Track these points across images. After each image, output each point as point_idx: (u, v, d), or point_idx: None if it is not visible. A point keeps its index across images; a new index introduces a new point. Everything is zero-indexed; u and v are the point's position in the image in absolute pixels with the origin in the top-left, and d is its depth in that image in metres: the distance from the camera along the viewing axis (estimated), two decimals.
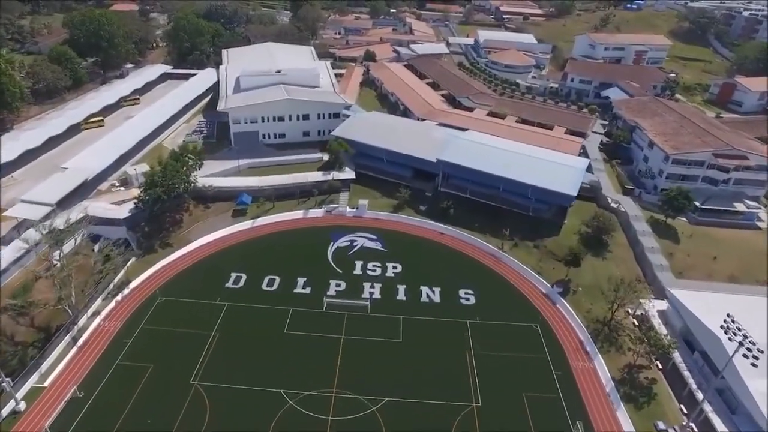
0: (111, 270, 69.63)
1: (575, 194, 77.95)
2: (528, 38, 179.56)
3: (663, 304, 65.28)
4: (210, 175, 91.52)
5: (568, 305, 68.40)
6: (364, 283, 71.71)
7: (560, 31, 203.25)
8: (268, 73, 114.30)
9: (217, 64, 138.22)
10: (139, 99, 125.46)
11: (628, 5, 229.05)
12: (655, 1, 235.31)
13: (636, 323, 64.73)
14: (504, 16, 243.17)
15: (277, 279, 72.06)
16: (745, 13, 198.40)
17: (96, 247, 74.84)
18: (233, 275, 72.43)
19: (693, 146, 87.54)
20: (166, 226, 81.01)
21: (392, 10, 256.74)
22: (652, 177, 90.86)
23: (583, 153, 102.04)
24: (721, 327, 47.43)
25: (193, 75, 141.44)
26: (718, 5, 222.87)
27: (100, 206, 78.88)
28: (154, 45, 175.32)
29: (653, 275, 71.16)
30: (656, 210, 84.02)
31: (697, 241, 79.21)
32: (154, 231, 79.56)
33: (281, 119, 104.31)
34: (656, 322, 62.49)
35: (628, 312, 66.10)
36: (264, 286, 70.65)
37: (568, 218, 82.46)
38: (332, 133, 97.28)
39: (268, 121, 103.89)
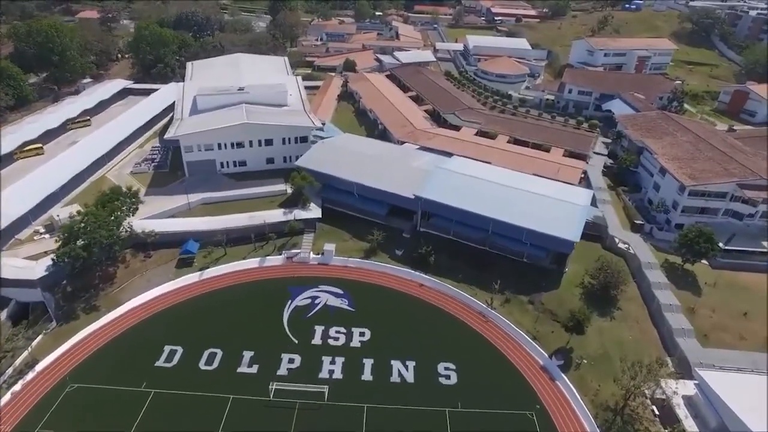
0: (18, 346, 57.10)
1: (576, 240, 65.43)
2: (521, 43, 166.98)
3: (690, 386, 52.67)
4: (155, 215, 78.99)
5: (570, 384, 55.87)
6: (323, 358, 59.02)
7: (555, 34, 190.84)
8: (229, 91, 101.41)
9: (184, 78, 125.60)
10: (89, 120, 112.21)
11: (627, 5, 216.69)
12: (654, 0, 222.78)
13: (656, 412, 52.17)
14: (496, 18, 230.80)
15: (219, 354, 59.27)
16: (752, 13, 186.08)
17: (3, 315, 62.30)
18: (167, 349, 59.64)
19: (713, 175, 75.16)
20: (94, 283, 68.26)
21: (378, 13, 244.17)
22: (666, 211, 78.38)
23: (585, 179, 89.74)
24: None
25: (155, 91, 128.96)
26: (721, 4, 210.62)
27: (10, 263, 66.07)
28: (119, 57, 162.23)
29: (673, 342, 58.65)
30: (671, 251, 71.71)
31: (722, 292, 66.85)
32: (79, 291, 66.77)
33: (240, 145, 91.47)
34: (682, 413, 49.92)
35: (645, 395, 53.52)
36: (202, 364, 57.86)
37: (569, 265, 70.00)
38: (295, 163, 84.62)
39: (225, 147, 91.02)
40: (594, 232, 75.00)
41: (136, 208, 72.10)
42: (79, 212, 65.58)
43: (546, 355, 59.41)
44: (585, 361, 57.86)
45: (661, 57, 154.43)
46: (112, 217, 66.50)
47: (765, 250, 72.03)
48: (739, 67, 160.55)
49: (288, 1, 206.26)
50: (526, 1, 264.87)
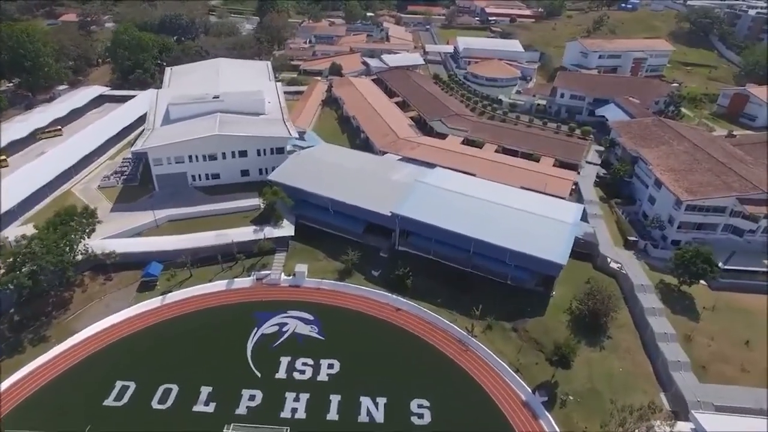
0: None
1: (564, 263, 60.50)
2: (513, 45, 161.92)
3: (686, 428, 47.82)
4: (119, 233, 74.41)
5: (554, 424, 51.01)
6: (287, 394, 54.15)
7: (550, 35, 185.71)
8: (203, 99, 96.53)
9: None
10: (60, 130, 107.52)
11: (623, 5, 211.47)
12: (651, 0, 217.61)
13: None
14: (490, 19, 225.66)
15: (175, 390, 54.48)
16: (752, 12, 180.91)
17: None
18: (118, 385, 54.83)
19: (712, 189, 70.25)
20: (47, 310, 63.61)
21: (370, 14, 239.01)
22: (661, 227, 73.52)
23: (576, 191, 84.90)
24: None
25: (133, 98, 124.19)
26: (720, 3, 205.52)
27: None
28: (99, 62, 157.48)
29: (668, 376, 53.79)
30: (667, 270, 66.90)
31: (721, 317, 62.00)
32: (28, 320, 62.09)
33: (213, 157, 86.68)
34: None
35: None
36: (155, 403, 53.03)
37: (556, 288, 65.15)
38: (268, 177, 79.84)
39: (197, 160, 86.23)
40: (584, 250, 70.21)
41: (93, 229, 67.17)
42: (24, 236, 60.64)
43: (529, 389, 54.53)
44: (571, 398, 53.03)
45: (658, 58, 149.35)
46: (64, 241, 61.58)
47: (767, 269, 67.04)
48: (739, 69, 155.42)
49: (276, 1, 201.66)
50: (521, 0, 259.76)
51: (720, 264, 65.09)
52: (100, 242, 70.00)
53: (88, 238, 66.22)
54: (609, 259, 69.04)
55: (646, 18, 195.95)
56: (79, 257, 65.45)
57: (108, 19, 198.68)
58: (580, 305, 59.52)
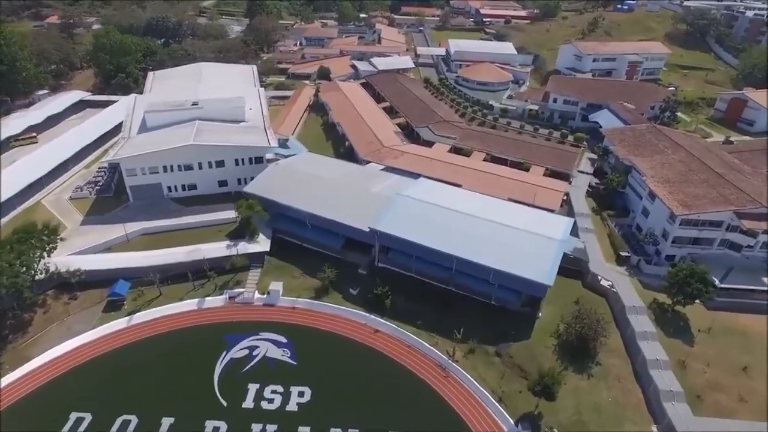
0: None
1: (550, 283, 56.94)
2: (506, 47, 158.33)
3: None
4: (89, 248, 71.00)
5: None
6: (253, 425, 50.68)
7: (544, 37, 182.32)
8: (182, 106, 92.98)
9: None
10: (36, 137, 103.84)
11: (619, 6, 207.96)
12: (648, 0, 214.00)
13: None
14: (484, 20, 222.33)
15: (134, 421, 50.97)
16: (749, 14, 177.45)
17: None
18: (73, 417, 51.29)
19: (708, 202, 66.81)
20: (3, 334, 60.08)
21: (363, 15, 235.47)
22: (655, 243, 70.04)
23: (567, 202, 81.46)
24: None
25: (114, 103, 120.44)
26: (717, 4, 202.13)
27: None
28: (83, 66, 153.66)
29: (660, 407, 50.29)
30: (660, 288, 63.48)
31: (718, 340, 58.59)
32: None
33: (189, 167, 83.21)
34: None
35: None
36: None
37: (543, 308, 61.64)
38: (243, 190, 76.29)
39: (172, 170, 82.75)
40: (573, 266, 66.67)
41: (54, 248, 63.51)
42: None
43: (512, 421, 51.01)
44: (556, 431, 49.48)
45: (654, 62, 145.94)
46: (19, 261, 57.99)
47: (766, 288, 63.60)
48: (736, 71, 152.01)
49: (265, 2, 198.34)
50: (516, 1, 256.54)
51: (716, 282, 61.64)
52: (65, 259, 66.54)
53: (49, 256, 62.45)
54: (599, 277, 65.52)
55: (642, 19, 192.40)
56: (41, 276, 61.87)
57: (95, 20, 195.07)
58: (568, 329, 55.97)
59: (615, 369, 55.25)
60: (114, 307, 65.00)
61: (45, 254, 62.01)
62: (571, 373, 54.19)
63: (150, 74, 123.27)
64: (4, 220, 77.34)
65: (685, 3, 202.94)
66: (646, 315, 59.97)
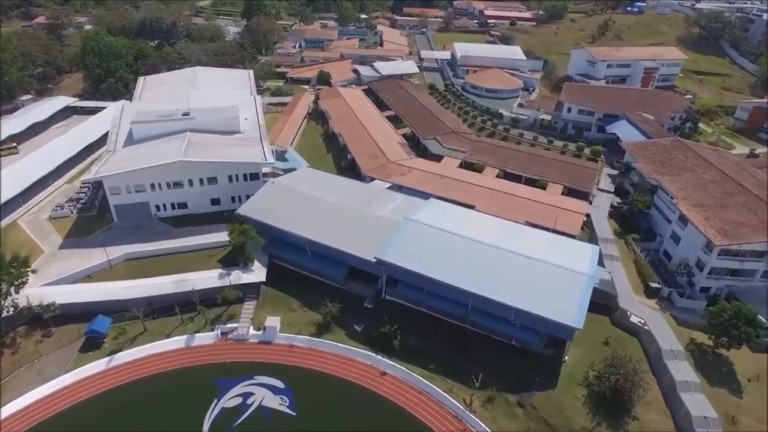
0: None
1: (579, 326, 50.69)
2: (514, 52, 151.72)
3: None
4: (66, 277, 64.76)
5: None
6: None
7: (552, 40, 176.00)
8: (172, 116, 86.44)
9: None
10: (16, 147, 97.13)
11: (628, 8, 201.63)
12: (657, 2, 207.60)
13: None
14: (489, 22, 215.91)
15: None
16: (765, 17, 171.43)
17: None
18: None
19: (750, 231, 60.58)
20: None
21: (363, 17, 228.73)
22: (689, 274, 63.86)
23: (587, 224, 75.29)
24: None
25: (102, 110, 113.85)
26: (730, 7, 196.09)
27: None
28: (72, 69, 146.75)
29: None
30: (697, 326, 57.38)
31: None
32: None
33: (179, 185, 76.87)
34: None
35: None
36: None
37: (569, 350, 55.46)
38: (236, 212, 69.90)
39: (161, 188, 76.40)
40: (600, 300, 60.32)
41: (24, 281, 57.10)
42: None
43: None
44: None
45: (670, 68, 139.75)
46: None
47: None
48: (754, 77, 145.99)
49: (263, 2, 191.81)
50: (521, 2, 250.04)
51: (764, 321, 55.44)
52: (38, 291, 60.44)
53: (17, 293, 55.98)
54: (629, 313, 59.32)
55: (653, 22, 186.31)
56: (8, 313, 55.52)
57: (86, 21, 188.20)
58: (600, 379, 49.76)
59: (654, 424, 49.06)
60: (92, 345, 58.68)
61: (12, 290, 55.45)
62: (605, 430, 48.01)
63: (140, 79, 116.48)
64: None
65: (697, 5, 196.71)
66: (685, 360, 53.75)
